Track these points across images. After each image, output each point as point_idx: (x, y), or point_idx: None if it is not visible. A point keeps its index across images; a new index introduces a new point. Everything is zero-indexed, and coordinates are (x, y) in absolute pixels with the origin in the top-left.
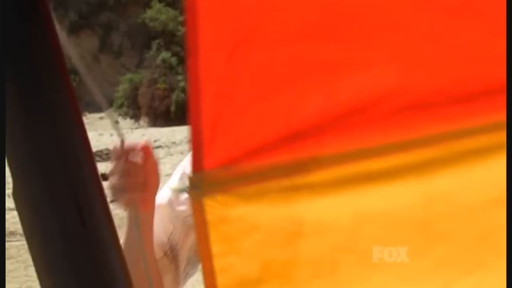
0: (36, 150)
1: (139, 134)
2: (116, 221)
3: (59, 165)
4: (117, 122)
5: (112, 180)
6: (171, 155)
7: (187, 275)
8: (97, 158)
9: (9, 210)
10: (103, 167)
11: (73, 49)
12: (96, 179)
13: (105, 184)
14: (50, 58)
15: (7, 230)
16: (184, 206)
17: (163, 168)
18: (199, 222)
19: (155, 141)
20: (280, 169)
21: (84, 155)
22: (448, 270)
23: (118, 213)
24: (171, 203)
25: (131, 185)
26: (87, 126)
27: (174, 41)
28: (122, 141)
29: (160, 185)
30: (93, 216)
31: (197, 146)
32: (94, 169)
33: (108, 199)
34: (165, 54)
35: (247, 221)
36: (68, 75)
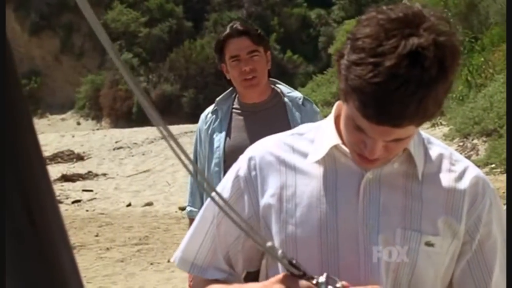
0: None
1: (101, 135)
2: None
3: (8, 164)
4: (177, 144)
5: None
6: (132, 155)
7: None
8: (58, 159)
9: None
10: (64, 168)
11: (117, 60)
12: (46, 178)
13: (68, 185)
14: None
15: None
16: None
17: (125, 169)
18: None
19: (116, 142)
20: None
21: (34, 154)
22: None
23: (61, 211)
24: None
25: None
26: (48, 128)
27: (136, 42)
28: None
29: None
30: (43, 216)
31: None
32: (44, 168)
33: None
34: (126, 55)
35: None
36: (17, 75)
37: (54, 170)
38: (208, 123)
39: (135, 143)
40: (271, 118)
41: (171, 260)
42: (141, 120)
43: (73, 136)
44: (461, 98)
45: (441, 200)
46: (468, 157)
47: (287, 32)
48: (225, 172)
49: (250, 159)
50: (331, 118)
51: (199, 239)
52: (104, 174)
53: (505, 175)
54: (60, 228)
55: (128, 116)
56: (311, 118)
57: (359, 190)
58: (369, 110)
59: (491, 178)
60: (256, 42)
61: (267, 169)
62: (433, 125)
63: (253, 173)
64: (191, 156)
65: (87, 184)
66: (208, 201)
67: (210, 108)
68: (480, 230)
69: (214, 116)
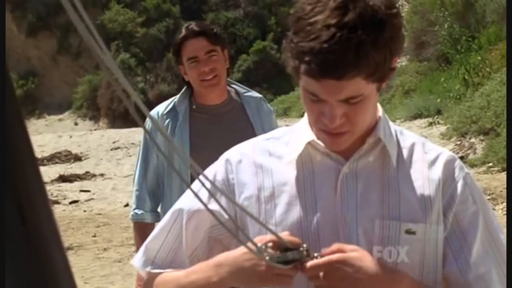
0: None
1: (98, 135)
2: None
3: None
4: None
5: None
6: (130, 156)
7: None
8: (56, 160)
9: None
10: (61, 168)
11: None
12: (38, 176)
13: (65, 185)
14: None
15: None
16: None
17: (122, 169)
18: None
19: (113, 142)
20: None
21: (25, 152)
22: None
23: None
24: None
25: None
26: (46, 128)
27: (133, 43)
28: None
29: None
30: (34, 215)
31: None
32: (36, 166)
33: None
34: (123, 56)
35: None
36: (7, 73)
37: (52, 171)
38: (165, 124)
39: (133, 143)
40: (233, 119)
41: (131, 263)
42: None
43: (70, 137)
44: (458, 97)
45: (418, 187)
46: (466, 156)
47: (284, 32)
48: (190, 176)
49: (226, 162)
50: (304, 117)
51: (160, 239)
52: (102, 175)
53: (503, 173)
54: (51, 227)
55: (126, 116)
56: (269, 117)
57: (336, 185)
58: (312, 66)
59: (488, 177)
60: (213, 41)
61: (243, 173)
62: (430, 124)
63: (230, 176)
64: (138, 165)
65: (85, 184)
66: (180, 199)
67: (162, 107)
68: (454, 208)
69: (170, 118)
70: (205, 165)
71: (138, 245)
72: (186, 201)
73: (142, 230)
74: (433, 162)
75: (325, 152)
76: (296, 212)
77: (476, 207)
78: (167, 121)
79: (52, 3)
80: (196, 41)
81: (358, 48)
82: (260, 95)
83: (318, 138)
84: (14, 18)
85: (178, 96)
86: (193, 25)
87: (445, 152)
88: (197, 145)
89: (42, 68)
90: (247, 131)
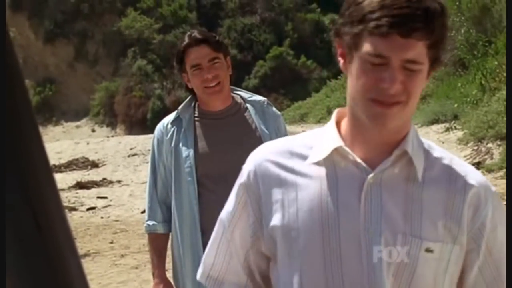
0: None
1: (115, 142)
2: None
3: (13, 170)
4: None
5: None
6: (147, 162)
7: None
8: (73, 167)
9: None
10: (79, 175)
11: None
12: (52, 183)
13: (83, 192)
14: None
15: None
16: None
17: (139, 175)
18: None
19: (131, 148)
20: None
21: (39, 159)
22: None
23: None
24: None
25: None
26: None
27: (150, 49)
28: None
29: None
30: (49, 222)
31: None
32: (50, 173)
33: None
34: (140, 62)
35: None
36: (22, 78)
37: (69, 178)
38: (170, 134)
39: (150, 150)
40: (237, 124)
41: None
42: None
43: (87, 143)
44: (475, 102)
45: (441, 204)
46: (483, 161)
47: (300, 38)
48: (198, 181)
49: (250, 167)
50: (332, 123)
51: (213, 250)
52: (119, 181)
53: None
54: (66, 234)
55: (143, 123)
56: (275, 120)
57: (360, 194)
58: (382, 21)
59: (505, 182)
60: (216, 49)
61: (267, 176)
62: (447, 129)
63: (253, 181)
64: (148, 177)
65: (102, 191)
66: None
67: (169, 118)
68: (485, 236)
69: (175, 126)
70: (213, 169)
71: (152, 255)
72: (226, 210)
73: (155, 241)
74: (460, 180)
75: (352, 160)
76: (318, 219)
77: (503, 232)
78: (172, 130)
79: (69, 11)
80: (199, 49)
81: (427, 12)
82: (265, 98)
83: (367, 114)
84: (31, 25)
85: (182, 105)
86: (195, 33)
87: (473, 171)
88: (203, 151)
89: (60, 75)
90: (252, 133)
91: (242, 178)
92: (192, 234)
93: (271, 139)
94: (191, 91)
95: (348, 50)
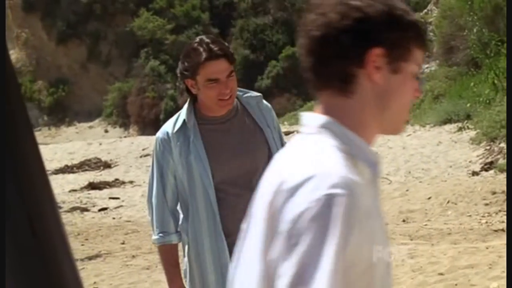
0: None
1: (128, 143)
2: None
3: (9, 175)
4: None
5: None
6: None
7: None
8: (86, 167)
9: None
10: (91, 176)
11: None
12: (48, 188)
13: (95, 193)
14: None
15: None
16: None
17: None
18: None
19: (143, 149)
20: None
21: (34, 164)
22: None
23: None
24: None
25: None
26: (76, 136)
27: (162, 50)
28: None
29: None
30: (45, 227)
31: None
32: (45, 178)
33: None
34: (153, 63)
35: None
36: (17, 83)
37: (82, 178)
38: (178, 144)
39: None
40: (238, 126)
41: None
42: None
43: (100, 144)
44: (487, 101)
45: None
46: (495, 161)
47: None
48: (216, 189)
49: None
50: (349, 132)
51: None
52: (131, 182)
53: None
54: (61, 238)
55: (156, 123)
56: (270, 113)
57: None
58: (424, 37)
59: None
60: (232, 62)
61: (364, 197)
62: (459, 129)
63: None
64: (154, 187)
65: (114, 191)
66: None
67: (170, 127)
68: None
69: (181, 136)
70: (227, 174)
71: (168, 267)
72: None
73: (169, 252)
74: None
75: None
76: (386, 235)
77: None
78: (179, 140)
79: (82, 11)
80: (219, 63)
81: None
82: (259, 94)
83: (397, 121)
84: (44, 26)
85: (184, 112)
86: (212, 45)
87: None
88: (215, 158)
89: (72, 76)
90: (255, 131)
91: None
92: (212, 239)
93: (272, 134)
94: (192, 96)
95: (407, 54)
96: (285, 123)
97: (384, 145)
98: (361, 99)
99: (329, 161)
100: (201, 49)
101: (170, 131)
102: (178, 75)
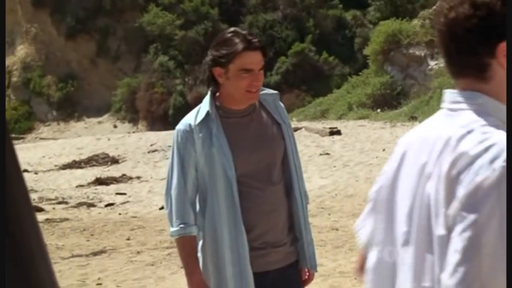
0: None
1: (136, 138)
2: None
3: None
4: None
5: None
6: (167, 158)
7: None
8: (93, 163)
9: None
10: (98, 171)
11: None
12: (24, 189)
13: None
14: None
15: None
16: None
17: (158, 172)
18: None
19: (151, 145)
20: None
21: (10, 165)
22: None
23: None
24: None
25: None
26: (85, 131)
27: (172, 45)
28: None
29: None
30: (21, 228)
31: None
32: (22, 179)
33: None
34: (162, 58)
35: None
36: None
37: (89, 173)
38: (200, 135)
39: (170, 146)
40: (258, 120)
41: None
42: (178, 123)
43: (108, 139)
44: None
45: None
46: None
47: (322, 34)
48: (238, 182)
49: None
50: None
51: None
52: (138, 177)
53: None
54: (37, 239)
55: (165, 119)
56: (284, 111)
57: None
58: None
59: None
60: (265, 57)
61: None
62: None
63: None
64: (174, 179)
65: (121, 187)
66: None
67: (192, 119)
68: None
69: (204, 127)
70: (249, 168)
71: (187, 259)
72: None
73: (189, 244)
74: None
75: None
76: None
77: None
78: (201, 132)
79: (91, 7)
80: (255, 55)
81: None
82: (275, 91)
83: None
84: (53, 22)
85: (207, 103)
86: (250, 37)
87: None
88: (236, 151)
89: (82, 71)
90: (273, 127)
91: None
92: (231, 231)
93: (287, 130)
94: (215, 86)
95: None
96: (294, 119)
97: (392, 142)
98: (497, 84)
99: (498, 135)
100: (239, 39)
101: (192, 123)
102: (209, 62)
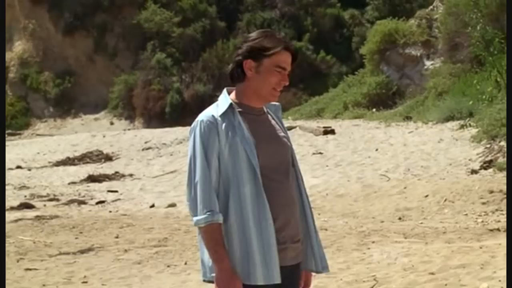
0: None
1: (131, 135)
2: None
3: None
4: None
5: None
6: (160, 156)
7: None
8: (87, 160)
9: None
10: (91, 168)
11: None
12: None
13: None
14: None
15: None
16: None
17: (151, 169)
18: None
19: (145, 142)
20: None
21: None
22: None
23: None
24: None
25: None
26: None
27: (169, 42)
28: None
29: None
30: None
31: None
32: None
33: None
34: (160, 55)
35: None
36: None
37: (82, 171)
38: (224, 126)
39: (164, 144)
40: (270, 121)
41: None
42: (174, 120)
43: (104, 136)
44: (490, 99)
45: None
46: (495, 160)
47: (320, 32)
48: (262, 174)
49: None
50: None
51: None
52: (131, 175)
53: None
54: None
55: (161, 116)
56: (283, 124)
57: None
58: None
59: None
60: (293, 62)
61: None
62: (461, 127)
63: None
64: (198, 168)
65: (113, 184)
66: None
67: (214, 111)
68: None
69: (226, 119)
70: (270, 161)
71: (216, 247)
72: None
73: (218, 231)
74: None
75: None
76: None
77: None
78: (224, 122)
79: (89, 3)
80: (289, 56)
81: None
82: (278, 103)
83: None
84: (51, 18)
85: (227, 98)
86: (289, 41)
87: None
88: (259, 144)
89: (79, 68)
90: (281, 131)
91: None
92: (256, 219)
93: (289, 140)
94: (241, 78)
95: None
96: (289, 118)
97: (386, 142)
98: None
99: None
100: (281, 38)
101: (214, 114)
102: (244, 53)
